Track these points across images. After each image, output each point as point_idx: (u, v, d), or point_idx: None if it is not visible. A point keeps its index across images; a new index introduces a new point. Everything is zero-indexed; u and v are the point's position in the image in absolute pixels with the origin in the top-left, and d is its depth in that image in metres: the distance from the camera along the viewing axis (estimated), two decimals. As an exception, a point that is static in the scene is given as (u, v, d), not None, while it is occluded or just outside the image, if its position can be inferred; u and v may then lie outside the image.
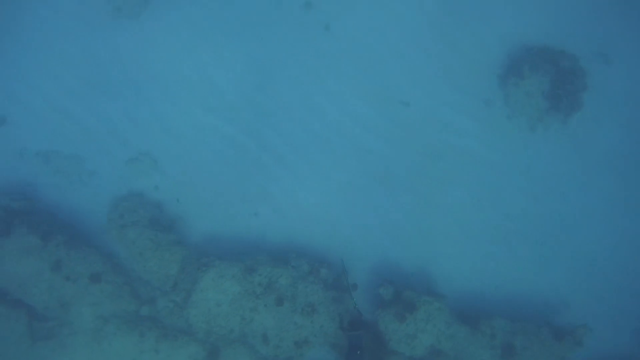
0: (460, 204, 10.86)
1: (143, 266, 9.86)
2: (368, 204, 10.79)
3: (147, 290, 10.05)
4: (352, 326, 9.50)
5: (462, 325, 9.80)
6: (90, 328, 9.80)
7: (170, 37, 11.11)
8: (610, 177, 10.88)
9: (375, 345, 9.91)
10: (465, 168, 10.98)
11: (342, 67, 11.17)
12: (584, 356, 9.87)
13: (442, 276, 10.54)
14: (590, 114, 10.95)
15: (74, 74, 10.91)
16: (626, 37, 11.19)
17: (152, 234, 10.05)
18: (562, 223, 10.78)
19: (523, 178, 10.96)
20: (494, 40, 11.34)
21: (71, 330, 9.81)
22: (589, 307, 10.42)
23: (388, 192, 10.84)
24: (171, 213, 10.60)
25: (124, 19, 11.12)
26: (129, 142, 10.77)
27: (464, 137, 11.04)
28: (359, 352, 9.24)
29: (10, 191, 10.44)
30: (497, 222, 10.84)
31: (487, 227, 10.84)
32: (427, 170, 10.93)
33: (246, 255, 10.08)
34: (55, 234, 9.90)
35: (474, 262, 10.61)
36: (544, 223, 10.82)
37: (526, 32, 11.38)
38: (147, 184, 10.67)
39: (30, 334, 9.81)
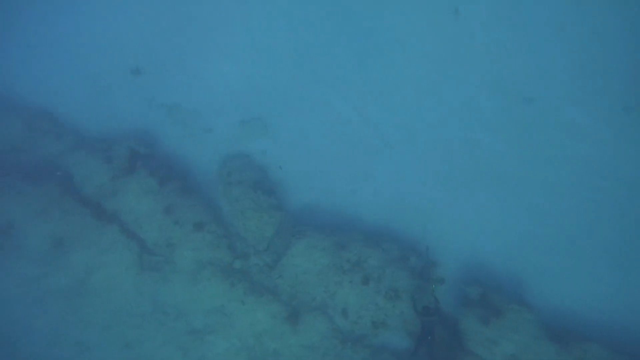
0: (574, 217, 9.99)
1: (243, 224, 10.47)
2: (470, 200, 10.40)
3: (243, 245, 10.67)
4: (426, 312, 9.36)
5: (551, 343, 9.23)
6: (190, 270, 10.68)
7: (299, 8, 11.21)
8: None
9: (452, 341, 9.71)
10: (585, 178, 10.04)
11: (467, 53, 10.64)
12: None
13: (538, 289, 9.89)
14: None
15: (204, 35, 11.46)
16: None
17: (255, 195, 10.59)
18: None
19: (654, 199, 9.75)
20: (648, 38, 9.97)
21: (174, 268, 10.77)
22: None
23: (493, 191, 10.30)
24: (274, 178, 10.99)
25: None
26: (245, 104, 11.21)
27: (589, 143, 10.04)
28: (430, 338, 9.13)
29: (137, 135, 11.46)
30: (614, 243, 9.83)
31: (603, 246, 9.87)
32: (540, 173, 10.19)
33: (340, 231, 10.24)
34: (171, 181, 10.79)
35: (579, 281, 9.81)
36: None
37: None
38: (256, 147, 11.15)
39: (140, 262, 10.92)
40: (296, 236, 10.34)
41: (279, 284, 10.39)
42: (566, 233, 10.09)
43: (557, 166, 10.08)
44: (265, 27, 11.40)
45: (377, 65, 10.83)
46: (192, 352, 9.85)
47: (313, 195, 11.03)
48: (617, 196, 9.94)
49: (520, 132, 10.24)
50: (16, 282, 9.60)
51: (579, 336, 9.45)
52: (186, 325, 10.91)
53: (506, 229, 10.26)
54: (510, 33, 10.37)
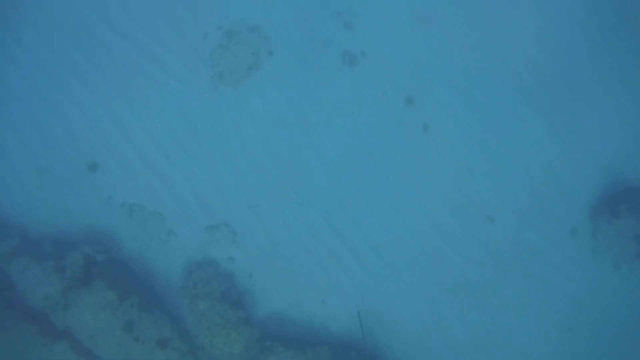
0: (527, 331, 10.75)
1: (209, 341, 10.23)
2: (433, 314, 10.80)
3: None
4: None
5: None
6: (151, 387, 10.17)
7: (267, 113, 11.12)
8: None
9: None
10: (539, 295, 10.84)
11: (433, 170, 11.07)
12: None
13: (495, 401, 10.52)
14: (681, 266, 10.59)
15: (168, 133, 11.05)
16: None
17: (222, 310, 10.37)
18: (628, 372, 10.59)
19: (598, 316, 10.73)
20: (593, 169, 11.01)
21: (133, 386, 10.19)
22: None
23: (455, 306, 10.83)
24: (241, 286, 10.83)
25: (224, 86, 11.17)
26: (211, 209, 10.93)
27: (543, 263, 10.87)
28: None
29: (93, 238, 10.79)
30: (562, 354, 10.69)
31: (550, 358, 10.70)
32: (500, 290, 10.83)
33: (309, 345, 10.25)
34: (131, 294, 10.30)
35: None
36: (609, 366, 10.65)
37: (627, 167, 10.95)
38: (222, 254, 10.90)
39: (94, 382, 10.25)
40: (265, 353, 10.21)
41: (245, 402, 10.20)
42: (520, 344, 10.83)
43: (517, 283, 10.80)
44: (234, 130, 11.17)
45: (347, 177, 10.99)
46: None
47: (281, 304, 10.97)
48: (565, 312, 10.83)
49: (484, 251, 10.86)
50: None
51: None
52: None
53: (468, 341, 10.81)
54: (472, 155, 10.97)
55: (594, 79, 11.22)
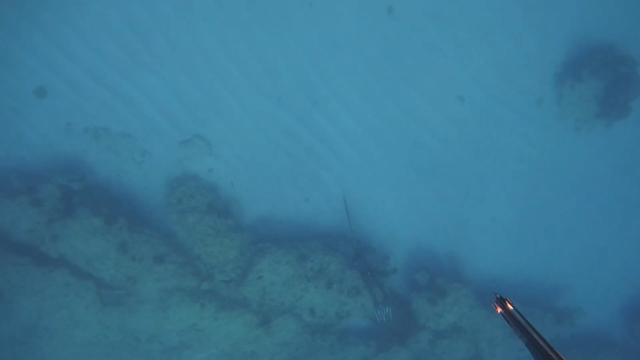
0: (497, 198, 11.68)
1: (204, 251, 10.67)
2: (413, 195, 11.58)
3: (207, 267, 10.91)
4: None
5: (482, 309, 11.43)
6: (156, 298, 10.84)
7: (223, 12, 10.22)
8: (637, 182, 11.75)
9: (406, 321, 11.53)
10: (508, 164, 11.56)
11: (402, 56, 10.88)
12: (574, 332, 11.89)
13: (470, 262, 11.80)
14: (633, 120, 11.34)
15: (115, 43, 10.14)
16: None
17: (211, 220, 10.64)
18: (584, 218, 11.89)
19: (558, 176, 11.68)
20: (559, 35, 11.04)
21: (138, 299, 10.84)
22: (589, 290, 12.13)
23: (433, 186, 11.51)
24: (226, 196, 10.99)
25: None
26: (180, 123, 10.59)
27: (511, 134, 11.39)
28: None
29: (64, 169, 10.50)
30: (526, 216, 11.82)
31: (516, 220, 11.83)
32: (472, 165, 11.48)
33: (300, 241, 10.88)
34: (118, 217, 10.34)
35: (499, 251, 11.84)
36: (569, 218, 11.90)
37: (592, 29, 11.03)
38: (200, 167, 10.85)
39: (100, 299, 10.78)
40: (259, 254, 10.83)
41: (247, 296, 11.06)
42: (491, 212, 11.85)
43: (488, 156, 11.41)
44: (188, 34, 10.32)
45: (318, 73, 10.66)
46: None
47: (267, 207, 11.33)
48: (530, 177, 11.72)
49: (457, 130, 11.22)
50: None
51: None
52: (161, 346, 11.41)
53: (444, 215, 11.73)
54: (438, 33, 10.72)
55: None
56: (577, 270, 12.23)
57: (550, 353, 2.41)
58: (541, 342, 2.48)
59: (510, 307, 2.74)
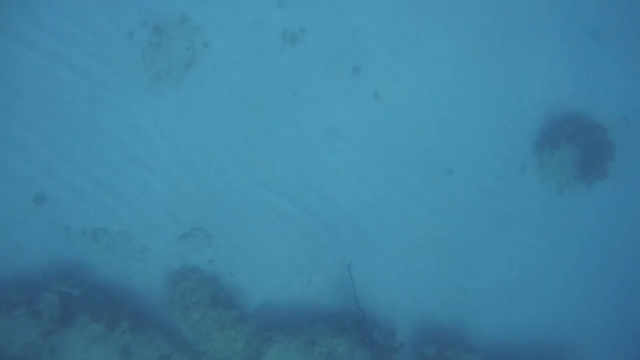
0: (494, 263, 11.98)
1: (211, 346, 10.48)
2: (412, 268, 11.71)
3: (214, 363, 10.66)
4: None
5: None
6: (161, 401, 10.38)
7: (216, 107, 10.74)
8: (624, 236, 12.30)
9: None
10: (499, 230, 11.98)
11: (390, 135, 11.44)
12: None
13: (475, 329, 11.86)
14: (612, 180, 12.08)
15: (113, 146, 10.43)
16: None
17: (216, 313, 10.54)
18: (578, 278, 12.25)
19: (550, 236, 12.14)
20: (531, 105, 11.92)
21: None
22: (595, 349, 12.26)
23: (431, 256, 11.75)
24: (228, 285, 10.98)
25: (164, 87, 10.53)
26: (178, 217, 10.71)
27: (499, 201, 11.90)
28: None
29: (63, 275, 10.36)
30: (524, 277, 12.12)
31: (515, 282, 12.10)
32: (467, 233, 11.84)
33: (305, 325, 10.79)
34: (120, 320, 10.11)
35: (503, 315, 11.98)
36: (563, 277, 12.25)
37: (561, 98, 11.97)
38: (201, 258, 10.91)
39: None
40: (266, 343, 10.66)
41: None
42: (490, 277, 12.11)
43: (480, 224, 11.84)
44: (184, 131, 10.73)
45: (307, 157, 11.12)
46: None
47: (270, 293, 11.31)
48: (522, 240, 12.15)
49: (448, 202, 11.74)
50: None
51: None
52: None
53: (445, 284, 11.91)
54: (422, 113, 11.45)
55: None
56: (582, 328, 12.42)
57: None
58: None
59: None
